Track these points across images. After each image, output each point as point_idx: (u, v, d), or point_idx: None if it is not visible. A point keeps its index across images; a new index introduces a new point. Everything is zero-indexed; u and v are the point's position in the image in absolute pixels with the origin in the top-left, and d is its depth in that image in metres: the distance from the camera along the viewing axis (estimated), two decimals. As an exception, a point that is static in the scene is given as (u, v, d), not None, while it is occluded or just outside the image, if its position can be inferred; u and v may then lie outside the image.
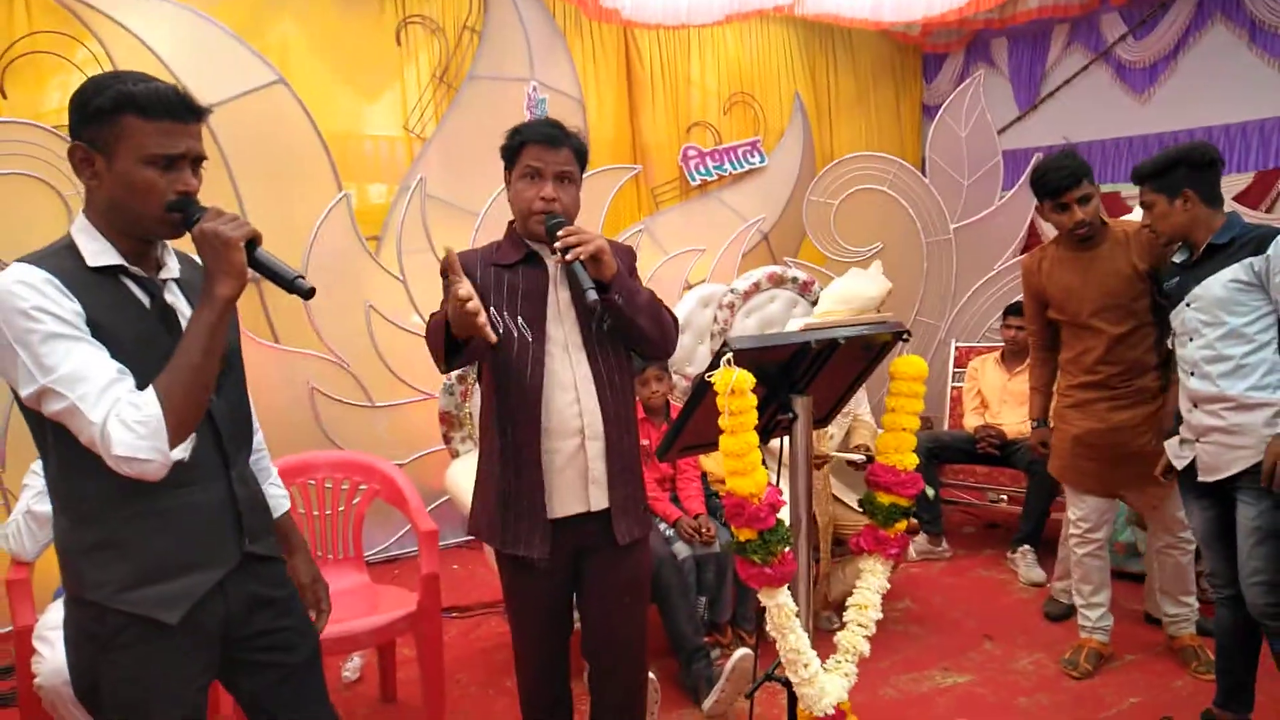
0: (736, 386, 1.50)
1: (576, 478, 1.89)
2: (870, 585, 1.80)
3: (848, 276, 3.63)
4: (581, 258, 1.76)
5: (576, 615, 2.10)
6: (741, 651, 2.76)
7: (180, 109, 1.41)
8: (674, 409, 3.30)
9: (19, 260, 1.37)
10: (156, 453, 1.31)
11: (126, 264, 1.44)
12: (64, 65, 3.98)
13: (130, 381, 1.34)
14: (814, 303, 4.32)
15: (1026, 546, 4.00)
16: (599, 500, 1.91)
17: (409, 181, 4.59)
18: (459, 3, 4.86)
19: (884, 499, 1.82)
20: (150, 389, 1.34)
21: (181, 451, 1.37)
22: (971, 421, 4.42)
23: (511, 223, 2.00)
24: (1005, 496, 4.66)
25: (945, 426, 4.89)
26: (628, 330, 1.90)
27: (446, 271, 1.71)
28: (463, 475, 3.32)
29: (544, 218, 1.86)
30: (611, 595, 1.98)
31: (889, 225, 5.30)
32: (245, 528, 1.55)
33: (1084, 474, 3.02)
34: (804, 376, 1.75)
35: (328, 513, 3.19)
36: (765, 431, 1.80)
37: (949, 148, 5.28)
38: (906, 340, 1.81)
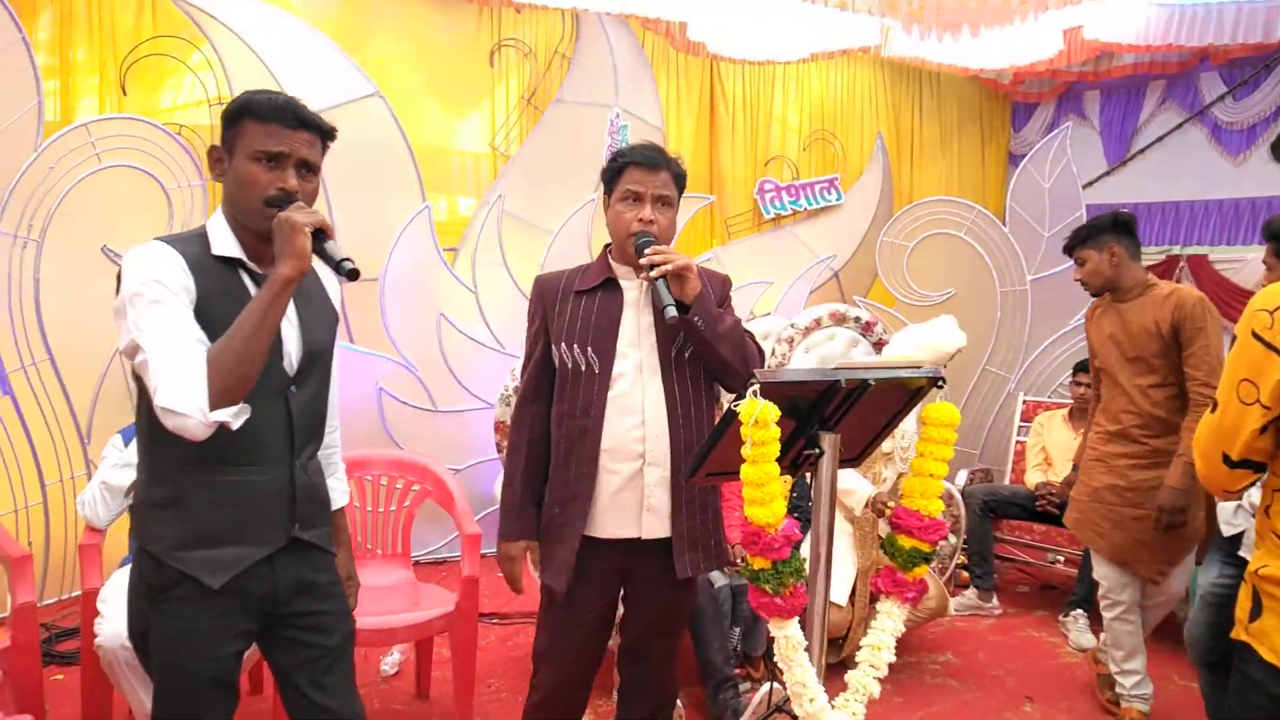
0: (760, 418, 1.54)
1: (631, 502, 1.90)
2: (885, 627, 1.80)
3: (932, 324, 3.58)
4: (664, 274, 1.79)
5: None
6: (769, 686, 2.76)
7: (288, 115, 1.57)
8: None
9: (157, 238, 1.55)
10: (196, 410, 1.40)
11: (245, 258, 1.59)
12: (179, 67, 4.27)
13: (197, 351, 1.45)
14: (876, 343, 4.30)
15: (1080, 610, 3.88)
16: (653, 529, 1.92)
17: (489, 197, 4.75)
18: (552, 29, 5.03)
19: (905, 543, 1.83)
20: (201, 357, 1.45)
21: (230, 417, 1.44)
22: (1033, 478, 4.33)
23: (607, 246, 2.04)
24: (1062, 558, 4.54)
25: (1006, 480, 4.78)
26: (708, 356, 1.91)
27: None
28: (511, 485, 3.41)
29: (635, 238, 1.88)
30: (659, 623, 2.02)
31: (964, 272, 5.24)
32: (298, 515, 1.66)
33: (1098, 533, 2.98)
34: (834, 415, 1.77)
35: (380, 509, 3.32)
36: (793, 465, 1.83)
37: (1031, 198, 5.20)
38: (941, 387, 1.82)
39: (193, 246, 1.55)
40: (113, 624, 2.41)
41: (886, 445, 3.37)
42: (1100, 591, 3.04)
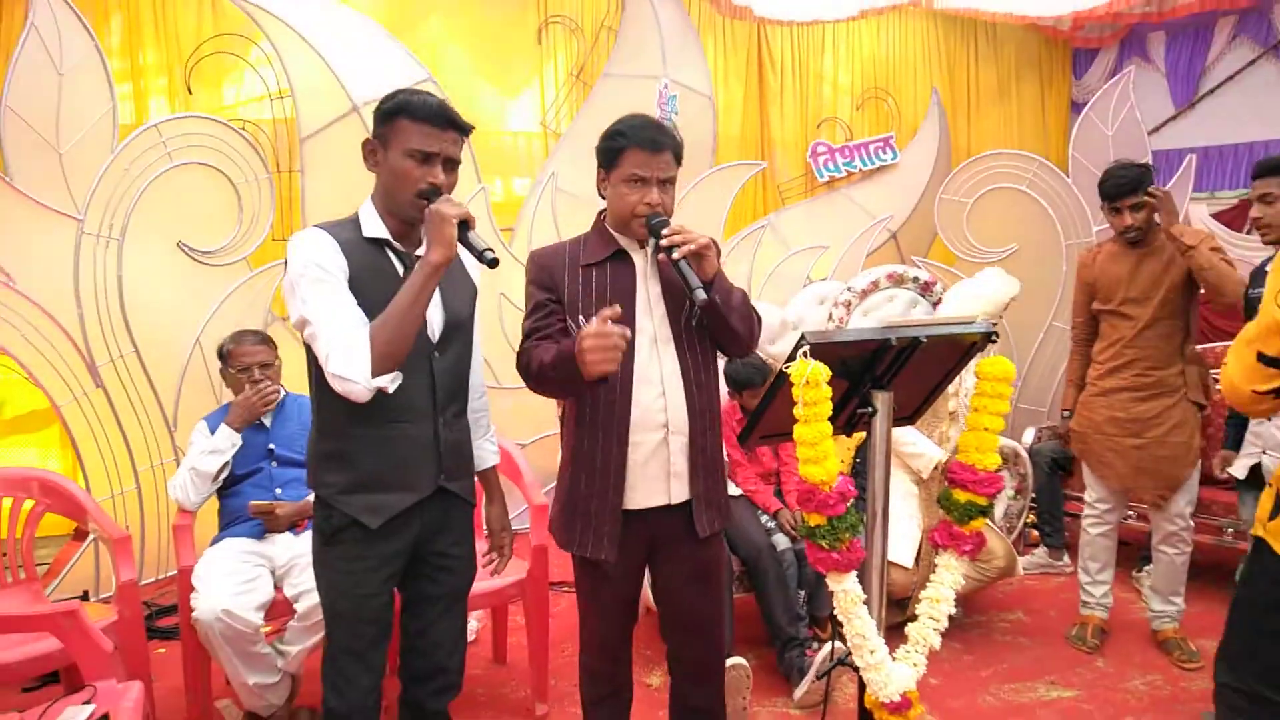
0: (811, 378, 1.57)
1: (659, 471, 1.94)
2: (943, 580, 1.82)
3: (980, 275, 3.56)
4: (687, 255, 1.80)
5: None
6: (828, 646, 2.80)
7: (440, 118, 1.77)
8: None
9: (316, 225, 1.79)
10: (360, 375, 1.64)
11: (391, 239, 1.82)
12: (239, 64, 4.41)
13: (361, 325, 1.68)
14: (935, 303, 4.25)
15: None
16: (679, 493, 1.96)
17: (543, 176, 4.81)
18: (598, 2, 5.04)
19: (961, 496, 1.84)
20: (364, 331, 1.68)
21: (387, 382, 1.68)
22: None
23: (601, 214, 2.04)
24: (1133, 514, 4.45)
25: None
26: (720, 328, 1.94)
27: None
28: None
29: (646, 219, 1.90)
30: (689, 583, 2.03)
31: (1026, 226, 5.12)
32: (444, 466, 1.90)
33: (1103, 462, 3.24)
34: (886, 373, 1.79)
35: (451, 483, 3.43)
36: (848, 425, 1.86)
37: (1095, 147, 5.05)
38: (994, 341, 1.82)
39: (345, 231, 1.79)
40: (208, 599, 2.56)
41: (951, 405, 3.36)
42: (1089, 510, 3.35)
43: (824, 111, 5.67)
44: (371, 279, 1.76)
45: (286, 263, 1.75)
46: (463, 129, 1.82)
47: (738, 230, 5.24)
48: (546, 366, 1.85)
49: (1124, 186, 3.06)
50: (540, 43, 4.99)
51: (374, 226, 1.81)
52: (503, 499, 2.21)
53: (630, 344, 1.85)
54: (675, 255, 1.80)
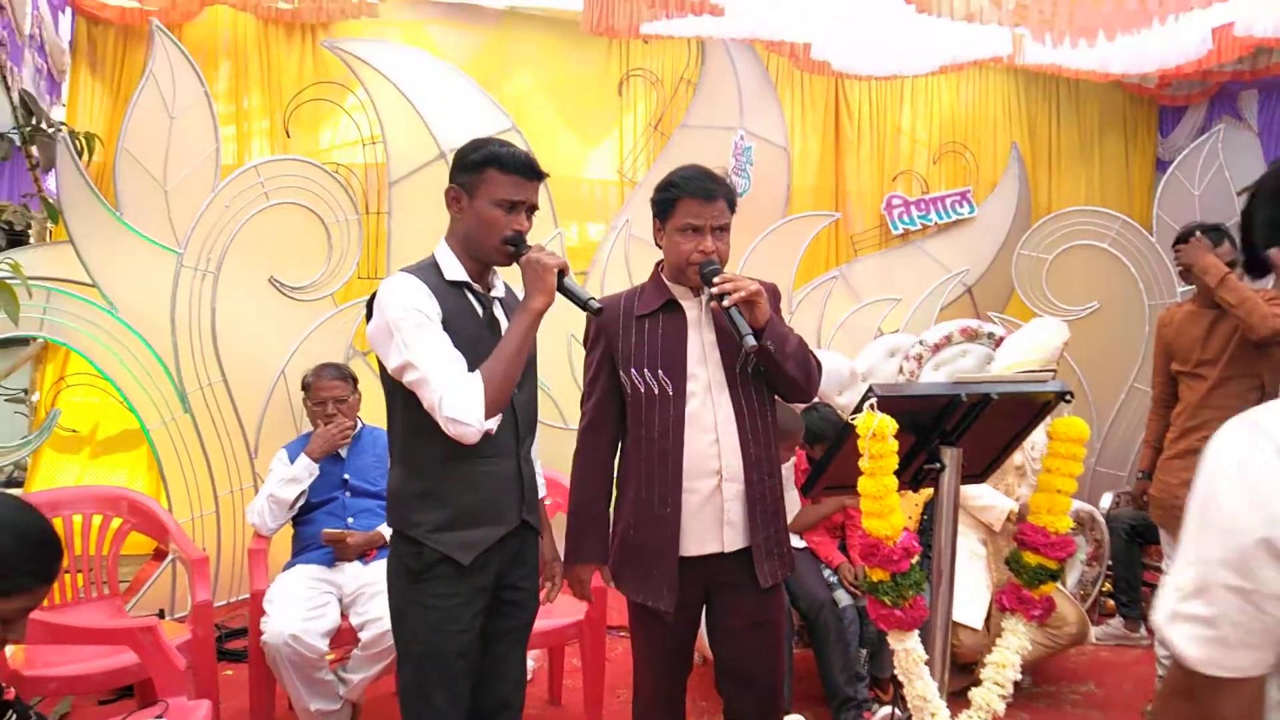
0: (877, 431, 1.57)
1: (712, 519, 1.94)
2: (1010, 645, 1.78)
3: (1031, 325, 3.52)
4: (737, 303, 1.82)
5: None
6: (885, 710, 2.73)
7: (528, 169, 1.86)
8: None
9: (402, 270, 1.85)
10: (475, 419, 1.70)
11: (471, 281, 1.88)
12: (335, 110, 4.64)
13: (465, 366, 1.75)
14: (1009, 360, 4.17)
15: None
16: (733, 541, 1.95)
17: (617, 222, 4.90)
18: (678, 56, 5.16)
19: (1031, 559, 1.80)
20: (476, 372, 1.75)
21: (493, 423, 1.76)
22: (1184, 500, 4.09)
23: (659, 264, 2.09)
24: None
25: (1157, 504, 4.52)
26: (776, 374, 1.94)
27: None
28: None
29: (699, 267, 1.92)
30: (746, 633, 2.01)
31: (1108, 285, 5.00)
32: (525, 499, 1.95)
33: (1181, 525, 2.94)
34: (956, 429, 1.78)
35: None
36: (915, 480, 1.84)
37: (1181, 206, 4.92)
38: (1069, 401, 1.79)
39: (430, 275, 1.84)
40: (277, 622, 2.63)
41: (1018, 459, 3.28)
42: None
43: (900, 164, 5.66)
44: (459, 320, 1.82)
45: (373, 307, 1.81)
46: (542, 177, 1.91)
47: (808, 280, 5.24)
48: (574, 503, 2.08)
49: (1179, 240, 3.11)
50: (621, 94, 5.12)
51: (454, 270, 1.87)
52: (550, 528, 2.21)
53: (683, 397, 1.94)
54: (726, 303, 1.82)
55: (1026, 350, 3.31)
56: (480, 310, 1.89)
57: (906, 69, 5.19)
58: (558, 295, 1.83)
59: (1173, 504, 3.14)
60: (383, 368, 1.83)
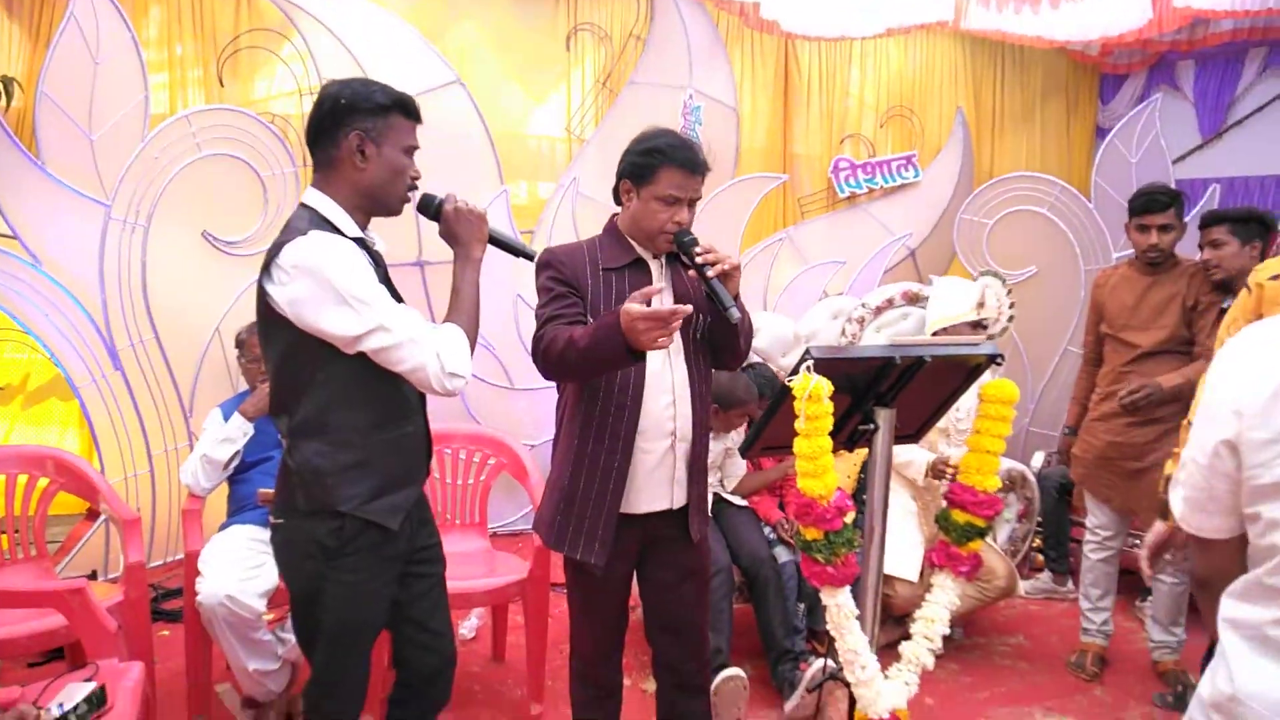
0: (813, 393, 1.59)
1: (664, 477, 1.98)
2: (939, 600, 1.83)
3: (938, 289, 3.57)
4: (720, 273, 1.82)
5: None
6: (821, 661, 2.80)
7: (417, 113, 1.81)
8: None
9: (314, 230, 1.66)
10: (468, 371, 1.73)
11: (364, 236, 1.79)
12: (271, 59, 4.48)
13: (428, 322, 1.71)
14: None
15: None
16: (680, 498, 2.01)
17: (565, 180, 4.84)
18: (627, 11, 5.08)
19: (960, 517, 1.85)
20: (453, 324, 1.75)
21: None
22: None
23: (614, 218, 2.07)
24: (1138, 541, 4.42)
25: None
26: (729, 343, 1.99)
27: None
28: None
29: (675, 236, 1.93)
30: (677, 584, 2.07)
31: (1046, 249, 5.10)
32: (430, 455, 1.95)
33: (1102, 485, 3.28)
34: (890, 390, 1.80)
35: (459, 481, 3.47)
36: (850, 440, 1.87)
37: (1118, 173, 5.02)
38: (999, 364, 1.83)
39: (335, 232, 1.71)
40: (212, 583, 2.60)
41: (940, 421, 3.36)
42: (1090, 536, 3.37)
43: (848, 127, 5.67)
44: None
45: (279, 269, 1.64)
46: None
47: (756, 242, 5.25)
48: (577, 341, 1.81)
49: (1157, 204, 3.10)
50: (569, 49, 5.03)
51: (351, 227, 1.75)
52: None
53: (643, 355, 1.87)
54: (710, 273, 1.82)
55: (934, 314, 3.39)
56: (374, 266, 1.77)
57: (854, 30, 5.17)
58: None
59: (1094, 464, 3.27)
60: (292, 340, 1.67)
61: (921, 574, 3.21)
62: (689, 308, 1.72)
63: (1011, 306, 4.40)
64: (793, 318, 4.90)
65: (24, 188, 3.57)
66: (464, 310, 1.78)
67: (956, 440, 3.38)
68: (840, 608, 1.67)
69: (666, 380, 1.96)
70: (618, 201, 2.04)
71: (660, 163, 1.91)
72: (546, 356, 1.91)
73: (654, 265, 2.02)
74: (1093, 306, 3.43)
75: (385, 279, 1.80)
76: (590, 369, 1.87)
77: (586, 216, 4.79)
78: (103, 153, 3.74)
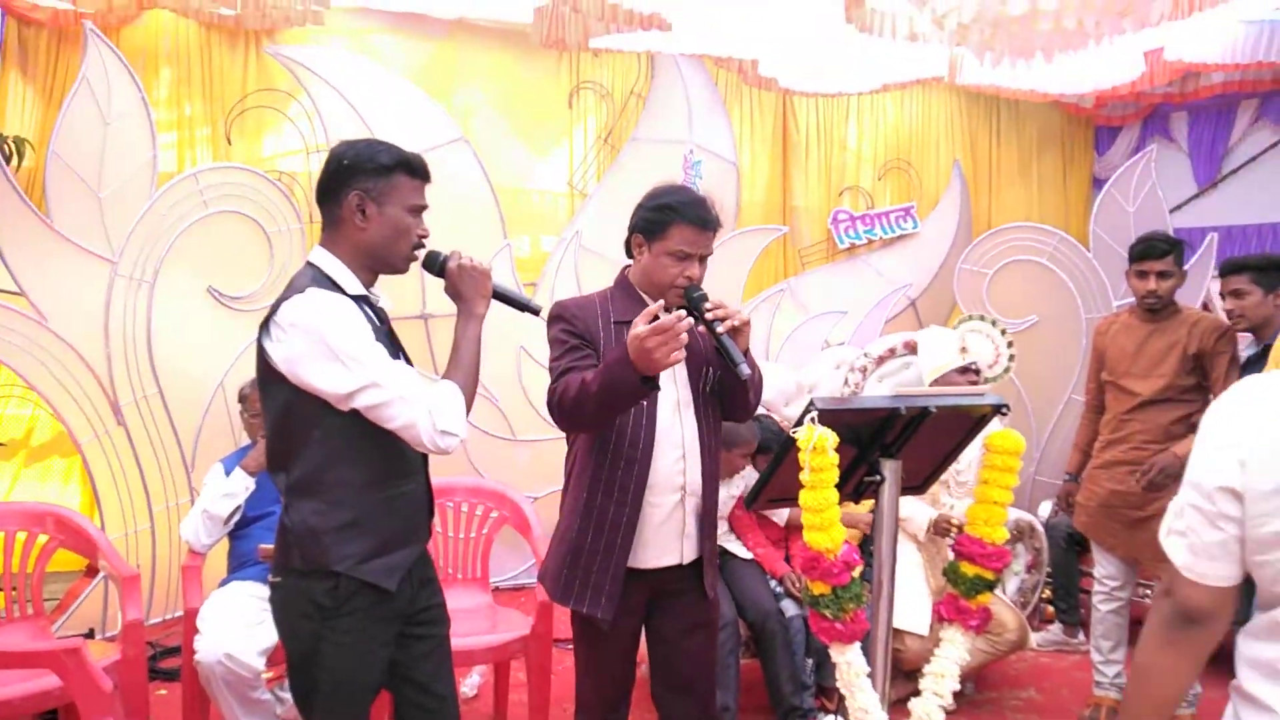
0: (818, 445, 1.58)
1: (674, 531, 1.97)
2: (949, 655, 1.80)
3: (924, 340, 3.57)
4: (730, 329, 1.82)
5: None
6: (831, 717, 2.75)
7: (426, 173, 1.81)
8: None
9: (311, 289, 1.68)
10: (463, 430, 1.70)
11: (368, 294, 1.79)
12: (279, 118, 4.56)
13: (422, 379, 1.69)
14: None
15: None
16: (690, 553, 2.00)
17: (567, 234, 4.89)
18: (628, 70, 5.18)
19: (968, 570, 1.83)
20: (449, 381, 1.73)
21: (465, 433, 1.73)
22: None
23: (625, 271, 2.09)
24: (1149, 592, 4.36)
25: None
26: (738, 398, 2.00)
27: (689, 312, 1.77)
28: (586, 513, 3.49)
29: (685, 291, 1.94)
30: (686, 639, 2.05)
31: (1047, 299, 5.12)
32: (431, 516, 1.92)
33: (1106, 534, 3.26)
34: (896, 441, 1.80)
35: (460, 535, 3.43)
36: (856, 492, 1.86)
37: (1116, 223, 5.07)
38: (1005, 414, 1.83)
39: (339, 291, 1.72)
40: (211, 641, 2.56)
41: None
42: (1099, 586, 3.32)
43: (846, 180, 5.75)
44: (375, 338, 1.73)
45: (276, 327, 1.65)
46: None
47: (758, 293, 5.28)
48: (589, 384, 1.80)
49: (1155, 250, 3.10)
50: (571, 107, 5.12)
51: (353, 284, 1.76)
52: None
53: (655, 409, 1.92)
54: (720, 329, 1.83)
55: (924, 368, 3.39)
56: (378, 322, 1.80)
57: (851, 86, 5.28)
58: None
59: (1097, 512, 3.25)
60: (288, 397, 1.68)
61: (931, 627, 3.16)
62: (689, 320, 1.70)
63: (1011, 346, 4.38)
64: (795, 368, 4.90)
65: (32, 245, 3.60)
66: (462, 367, 1.76)
67: (957, 492, 3.35)
68: (850, 665, 1.64)
69: (676, 435, 1.96)
70: (629, 254, 2.06)
71: (672, 219, 1.94)
72: (562, 405, 1.89)
73: (665, 320, 2.03)
74: (1094, 354, 3.42)
75: (389, 335, 1.80)
76: (606, 409, 1.84)
77: (589, 269, 4.82)
78: (110, 211, 3.79)
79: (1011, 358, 4.29)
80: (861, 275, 5.62)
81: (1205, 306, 5.04)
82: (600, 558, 1.95)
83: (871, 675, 1.69)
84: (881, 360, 4.25)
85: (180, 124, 4.39)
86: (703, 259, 1.97)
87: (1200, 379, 3.09)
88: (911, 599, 3.16)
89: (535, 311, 1.84)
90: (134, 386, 3.84)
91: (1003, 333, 4.39)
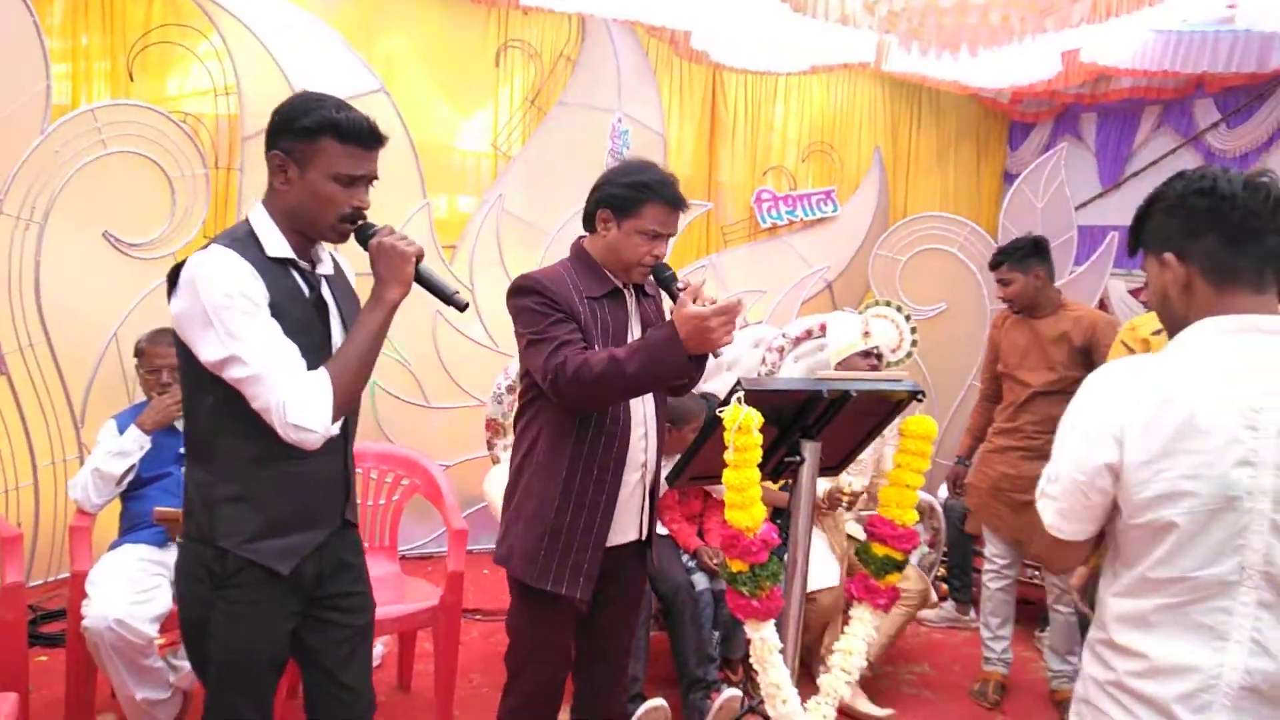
0: (743, 424, 1.59)
1: (634, 509, 2.01)
2: (857, 632, 1.85)
3: (831, 324, 3.69)
4: None
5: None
6: (730, 691, 2.80)
7: (370, 138, 1.65)
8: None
9: (216, 243, 1.58)
10: (323, 425, 1.54)
11: (296, 258, 1.66)
12: (186, 55, 4.30)
13: (303, 362, 1.56)
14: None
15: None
16: (645, 529, 2.05)
17: (489, 196, 4.79)
18: (559, 31, 5.07)
19: (879, 550, 1.88)
20: (323, 371, 1.57)
21: (336, 427, 1.59)
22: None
23: (581, 241, 2.06)
24: (1038, 573, 4.58)
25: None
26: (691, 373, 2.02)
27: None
28: (500, 483, 3.45)
29: (653, 269, 1.97)
30: (626, 613, 2.12)
31: (955, 287, 5.29)
32: (350, 498, 1.80)
33: (995, 516, 3.43)
34: (816, 423, 1.82)
35: (370, 502, 3.35)
36: (775, 472, 1.88)
37: (1024, 217, 5.25)
38: (920, 401, 1.87)
39: (250, 250, 1.60)
40: (100, 605, 2.45)
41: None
42: (988, 565, 3.49)
43: (771, 159, 5.78)
44: (285, 303, 1.62)
45: (179, 282, 1.57)
46: (382, 143, 1.72)
47: (679, 268, 5.28)
48: (623, 363, 1.76)
49: (992, 263, 3.42)
50: (498, 65, 4.98)
51: (277, 244, 1.64)
52: None
53: None
54: None
55: (831, 349, 3.51)
56: (307, 291, 1.69)
57: (780, 66, 5.29)
58: (414, 286, 1.68)
59: (987, 494, 3.42)
60: (186, 356, 1.60)
61: (840, 579, 3.23)
62: (741, 301, 1.74)
63: (914, 332, 4.54)
64: (713, 344, 4.94)
65: (-95, 176, 3.33)
66: (344, 356, 1.61)
67: (854, 470, 3.43)
68: (764, 641, 1.67)
69: (639, 413, 1.98)
70: (589, 228, 2.04)
71: (647, 198, 1.92)
72: (579, 381, 1.81)
73: (627, 294, 2.04)
74: (989, 346, 3.62)
75: (316, 304, 1.69)
76: (636, 389, 1.87)
77: (510, 233, 4.75)
78: (-4, 144, 3.52)
79: (914, 343, 4.44)
80: (781, 255, 5.68)
81: (1103, 302, 5.29)
82: (580, 536, 1.94)
83: (783, 651, 1.72)
84: (798, 341, 4.33)
85: (75, 55, 4.09)
86: (668, 238, 1.98)
87: (1088, 370, 3.22)
88: (818, 557, 3.20)
89: (460, 307, 1.71)
90: (19, 334, 3.60)
91: (907, 318, 4.53)
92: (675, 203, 1.95)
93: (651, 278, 2.00)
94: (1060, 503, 1.35)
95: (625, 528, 2.01)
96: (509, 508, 2.05)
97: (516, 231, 4.78)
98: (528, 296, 1.95)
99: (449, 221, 4.92)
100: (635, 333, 2.02)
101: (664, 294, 2.01)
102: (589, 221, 2.03)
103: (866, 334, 3.46)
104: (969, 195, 6.40)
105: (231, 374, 1.53)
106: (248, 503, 1.63)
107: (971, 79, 5.32)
